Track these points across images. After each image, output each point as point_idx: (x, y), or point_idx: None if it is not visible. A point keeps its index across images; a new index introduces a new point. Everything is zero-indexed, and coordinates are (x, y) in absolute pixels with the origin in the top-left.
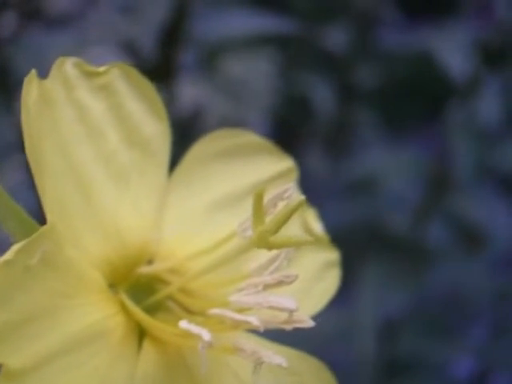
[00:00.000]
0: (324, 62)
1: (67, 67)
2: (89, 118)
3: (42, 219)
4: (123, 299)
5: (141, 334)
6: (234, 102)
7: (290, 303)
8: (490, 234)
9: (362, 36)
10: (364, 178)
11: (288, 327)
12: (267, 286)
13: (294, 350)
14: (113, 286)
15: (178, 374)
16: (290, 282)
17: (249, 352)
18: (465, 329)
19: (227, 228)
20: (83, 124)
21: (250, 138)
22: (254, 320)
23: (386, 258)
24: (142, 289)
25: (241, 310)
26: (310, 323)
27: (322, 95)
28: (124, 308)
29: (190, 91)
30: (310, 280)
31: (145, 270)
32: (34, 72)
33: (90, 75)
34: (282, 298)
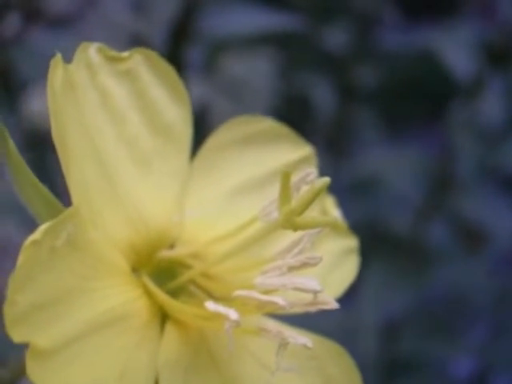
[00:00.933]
0: (325, 62)
1: (91, 52)
2: (112, 102)
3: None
4: (146, 282)
5: (163, 317)
6: (234, 102)
7: (315, 284)
8: (491, 234)
9: (363, 36)
10: (365, 177)
11: (313, 309)
12: (292, 268)
13: (313, 334)
14: (135, 269)
15: (199, 357)
16: (315, 264)
17: (274, 332)
18: (465, 329)
19: (248, 213)
20: (106, 109)
21: (269, 124)
22: (280, 300)
23: (388, 257)
24: (164, 273)
25: (266, 293)
26: (335, 305)
27: (322, 95)
28: (147, 291)
29: (196, 89)
30: (329, 266)
31: (167, 254)
32: (59, 56)
33: (113, 60)
34: (307, 279)
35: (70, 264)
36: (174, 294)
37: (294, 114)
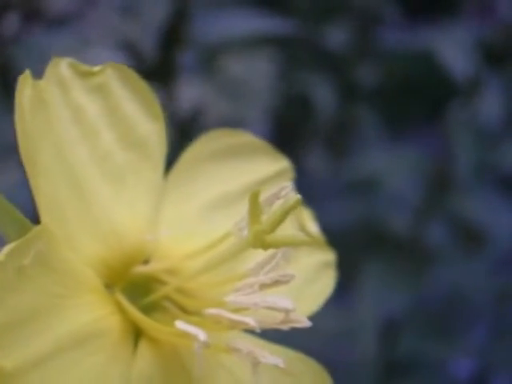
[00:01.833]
0: (324, 62)
1: (62, 67)
2: (84, 118)
3: (39, 220)
4: (119, 299)
5: (137, 334)
6: (234, 102)
7: (286, 303)
8: (490, 234)
9: (363, 35)
10: (365, 177)
11: (285, 327)
12: (263, 286)
13: (291, 350)
14: (108, 286)
15: (173, 374)
16: (287, 282)
17: (245, 352)
18: (465, 329)
19: (223, 228)
20: (78, 125)
21: (246, 138)
22: (250, 320)
23: (387, 257)
24: (138, 289)
25: (237, 310)
26: (307, 323)
27: (322, 95)
28: (120, 308)
29: (190, 92)
30: (304, 281)
31: (141, 269)
32: (28, 72)
33: (84, 75)
34: (279, 298)
35: (39, 283)
36: (149, 309)
37: (294, 114)
